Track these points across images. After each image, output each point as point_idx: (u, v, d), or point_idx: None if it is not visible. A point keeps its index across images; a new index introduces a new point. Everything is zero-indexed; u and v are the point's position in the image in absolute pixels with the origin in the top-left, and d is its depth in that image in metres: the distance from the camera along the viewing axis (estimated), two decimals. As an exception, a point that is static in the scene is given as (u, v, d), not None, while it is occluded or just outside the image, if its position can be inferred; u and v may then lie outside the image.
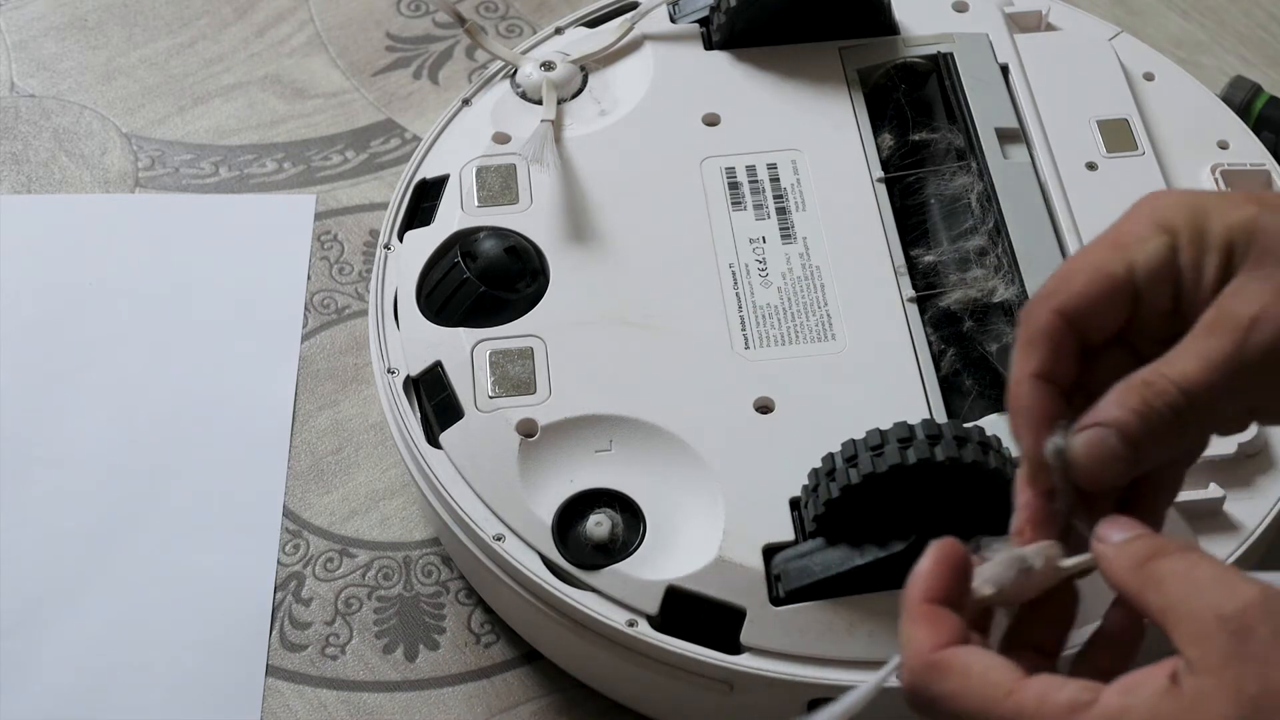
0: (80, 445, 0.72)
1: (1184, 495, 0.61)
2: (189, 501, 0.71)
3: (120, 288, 0.78)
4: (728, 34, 0.75)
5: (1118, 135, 0.72)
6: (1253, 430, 0.62)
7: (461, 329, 0.66)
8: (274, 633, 0.67)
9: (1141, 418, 0.45)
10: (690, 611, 0.59)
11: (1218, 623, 0.40)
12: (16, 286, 0.77)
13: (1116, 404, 0.45)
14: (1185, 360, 0.45)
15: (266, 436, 0.73)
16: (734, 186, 0.70)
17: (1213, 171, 0.71)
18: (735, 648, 0.58)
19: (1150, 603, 0.42)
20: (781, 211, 0.69)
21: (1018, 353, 0.47)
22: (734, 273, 0.67)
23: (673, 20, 0.77)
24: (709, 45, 0.76)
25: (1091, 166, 0.71)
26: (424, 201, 0.72)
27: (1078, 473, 0.46)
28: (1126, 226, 0.47)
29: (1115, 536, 0.44)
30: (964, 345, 0.65)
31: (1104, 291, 0.46)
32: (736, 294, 0.67)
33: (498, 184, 0.71)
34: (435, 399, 0.65)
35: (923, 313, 0.66)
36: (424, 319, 0.67)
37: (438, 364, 0.65)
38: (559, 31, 0.78)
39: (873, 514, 0.58)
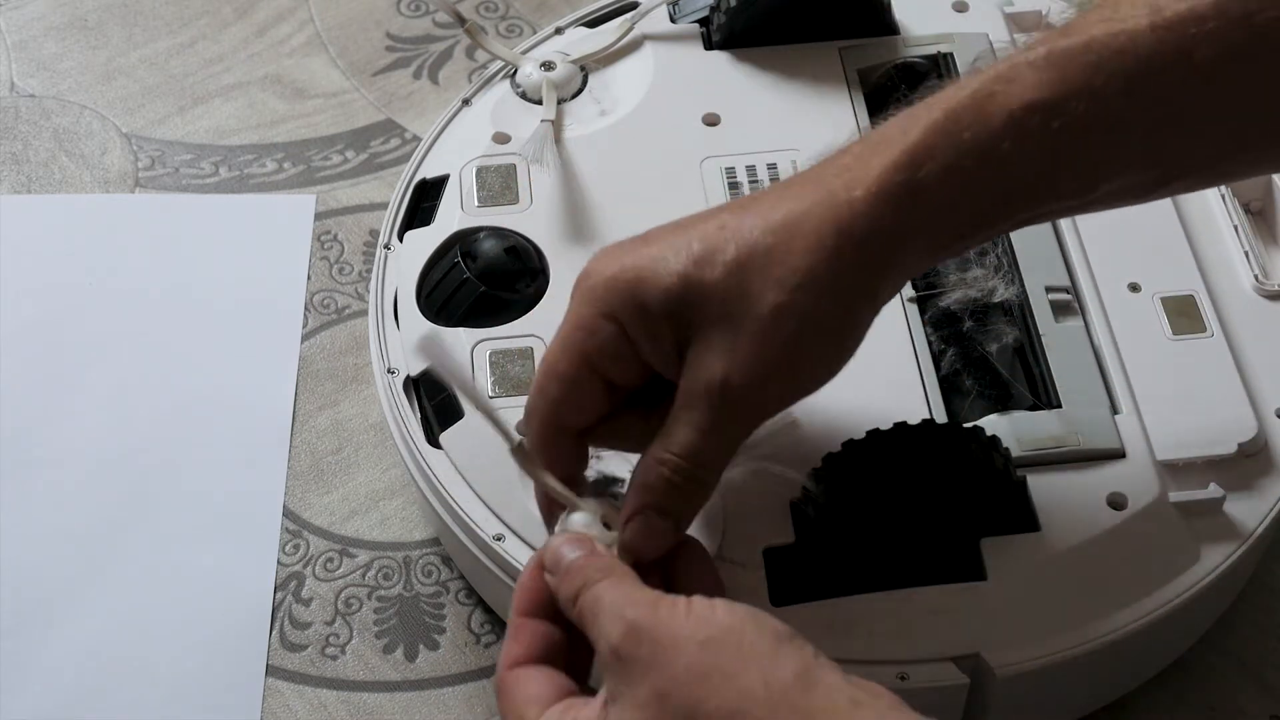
0: (80, 445, 0.72)
1: (1184, 495, 0.61)
2: (189, 501, 0.71)
3: (120, 288, 0.78)
4: (728, 34, 0.75)
5: (1118, 135, 0.72)
6: (1252, 430, 0.62)
7: (461, 329, 0.66)
8: (274, 633, 0.67)
9: (668, 493, 0.51)
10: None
11: (610, 654, 0.46)
12: (16, 286, 0.77)
13: (644, 488, 0.51)
14: (679, 433, 0.51)
15: (266, 436, 0.73)
16: (734, 186, 0.70)
17: (1213, 171, 0.71)
18: (735, 648, 0.58)
19: (587, 634, 0.48)
20: (781, 211, 0.69)
21: (532, 458, 0.54)
22: (734, 273, 0.67)
23: (673, 20, 0.77)
24: (709, 45, 0.76)
25: (1091, 166, 0.71)
26: (424, 201, 0.72)
27: (637, 555, 0.51)
28: (576, 321, 0.52)
29: (562, 559, 0.50)
30: (964, 345, 0.65)
31: (573, 393, 0.53)
32: (736, 294, 0.66)
33: (498, 184, 0.71)
34: (435, 399, 0.65)
35: (923, 313, 0.66)
36: (424, 319, 0.67)
37: (438, 364, 0.66)
38: (559, 31, 0.78)
39: (873, 515, 0.58)
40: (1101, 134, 0.50)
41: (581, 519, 0.53)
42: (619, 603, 0.47)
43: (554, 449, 0.54)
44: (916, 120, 0.51)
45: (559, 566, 0.50)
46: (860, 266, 0.51)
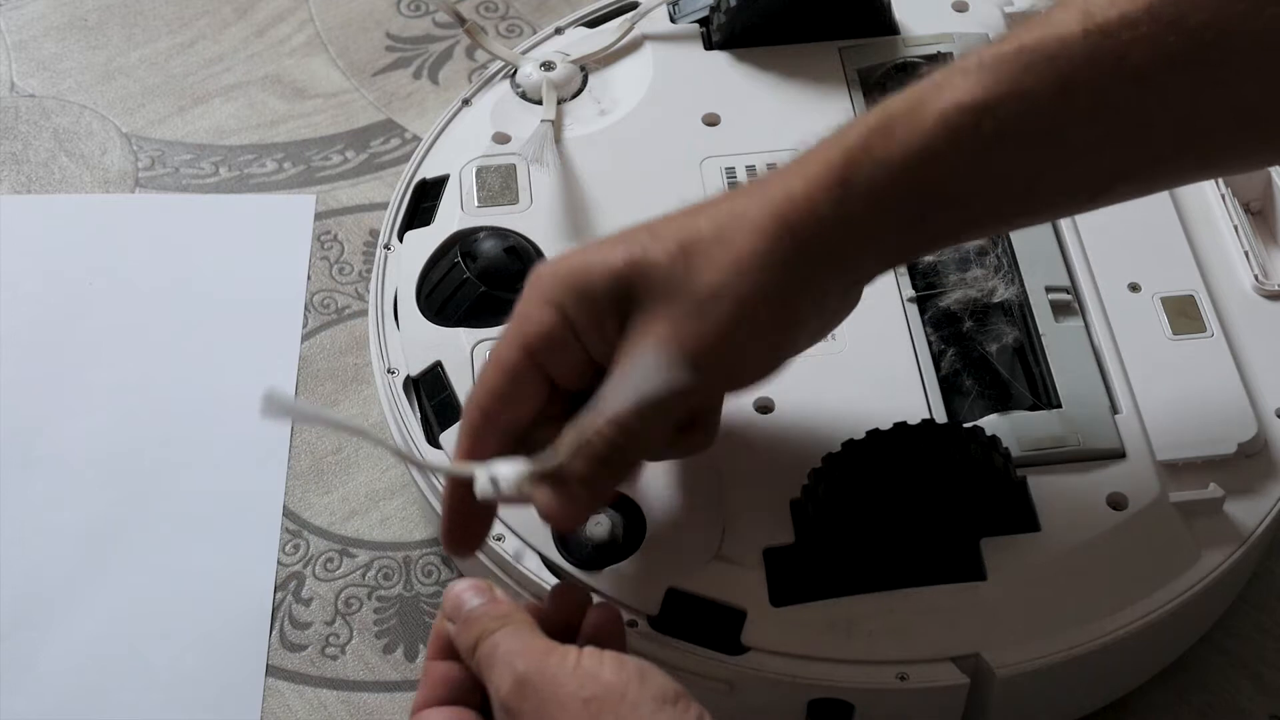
0: (80, 445, 0.72)
1: (1184, 495, 0.61)
2: (189, 501, 0.71)
3: (121, 288, 0.78)
4: (728, 34, 0.75)
5: (1118, 135, 0.72)
6: (1252, 430, 0.62)
7: (461, 329, 0.66)
8: (274, 633, 0.67)
9: (589, 461, 0.51)
10: (690, 612, 0.59)
11: (500, 708, 0.47)
12: (17, 286, 0.77)
13: (568, 454, 0.51)
14: (610, 401, 0.51)
15: (266, 436, 0.73)
16: (734, 186, 0.70)
17: (1213, 171, 0.71)
18: (736, 648, 0.58)
19: (486, 685, 0.49)
20: (781, 211, 0.69)
21: (459, 440, 0.54)
22: (734, 273, 0.67)
23: (673, 20, 0.77)
24: (709, 45, 0.76)
25: (1091, 166, 0.71)
26: (424, 201, 0.72)
27: (550, 521, 0.52)
28: (521, 311, 0.53)
29: (468, 603, 0.51)
30: (964, 345, 0.65)
31: (512, 384, 0.53)
32: (736, 294, 0.66)
33: (498, 184, 0.71)
34: (435, 399, 0.65)
35: (923, 313, 0.66)
36: (424, 319, 0.67)
37: (438, 364, 0.66)
38: (559, 31, 0.78)
39: (873, 514, 0.58)
40: (1035, 137, 0.50)
41: (503, 471, 0.52)
42: (512, 653, 0.48)
43: (482, 441, 0.54)
44: (854, 125, 0.52)
45: (459, 614, 0.51)
46: (799, 254, 0.51)
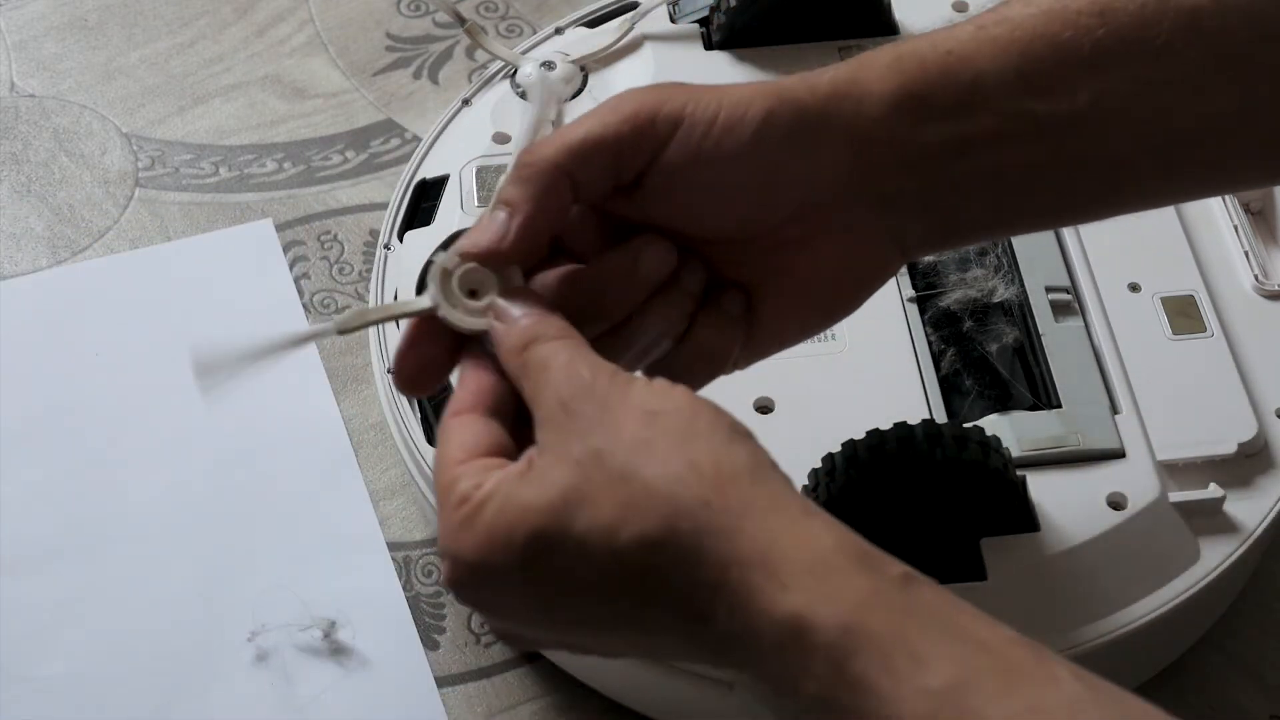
0: (158, 516, 0.69)
1: (1184, 495, 0.61)
2: (285, 544, 0.68)
3: (129, 353, 0.74)
4: (728, 34, 0.75)
5: (1118, 135, 0.72)
6: (1252, 429, 0.62)
7: (461, 329, 0.66)
8: (274, 633, 0.67)
9: (523, 185, 0.49)
10: (690, 611, 0.59)
11: (558, 406, 0.44)
12: (23, 374, 0.74)
13: (508, 182, 0.49)
14: (554, 137, 0.50)
15: (331, 453, 0.71)
16: (734, 186, 0.70)
17: (1213, 171, 0.71)
18: (735, 648, 0.58)
19: (524, 389, 0.46)
20: (781, 211, 0.69)
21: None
22: (734, 273, 0.67)
23: (673, 20, 0.77)
24: (709, 45, 0.76)
25: (1091, 166, 0.71)
26: (424, 201, 0.72)
27: (472, 245, 0.49)
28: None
29: (513, 312, 0.48)
30: (964, 345, 0.65)
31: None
32: (736, 294, 0.66)
33: (498, 184, 0.71)
34: (435, 399, 0.65)
35: (923, 313, 0.66)
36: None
37: (438, 364, 0.65)
38: (559, 31, 0.78)
39: (873, 514, 0.58)
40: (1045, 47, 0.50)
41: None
42: (576, 360, 0.45)
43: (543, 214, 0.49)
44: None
45: (509, 317, 0.48)
46: (797, 109, 0.50)
